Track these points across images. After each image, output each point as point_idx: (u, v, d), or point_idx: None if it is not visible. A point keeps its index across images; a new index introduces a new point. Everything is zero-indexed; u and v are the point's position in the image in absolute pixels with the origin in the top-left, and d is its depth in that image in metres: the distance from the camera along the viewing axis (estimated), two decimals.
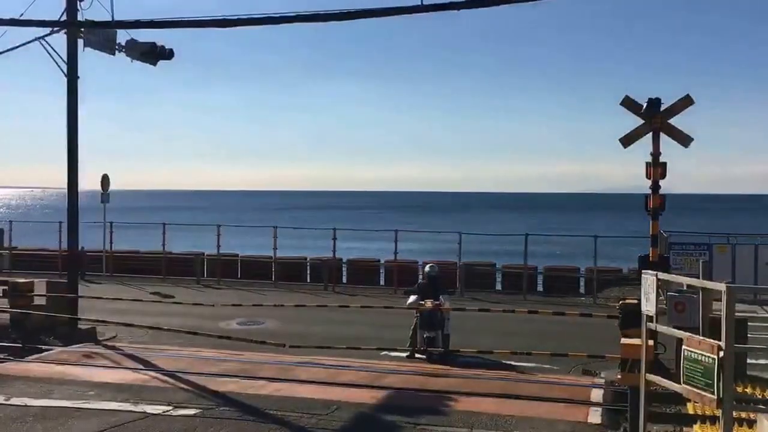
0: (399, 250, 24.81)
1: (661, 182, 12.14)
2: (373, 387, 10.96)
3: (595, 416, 9.53)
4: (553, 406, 9.96)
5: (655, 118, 11.78)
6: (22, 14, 12.63)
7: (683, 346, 6.74)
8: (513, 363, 12.90)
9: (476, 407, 9.79)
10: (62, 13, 14.54)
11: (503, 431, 8.85)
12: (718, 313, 6.80)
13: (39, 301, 15.27)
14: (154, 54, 14.41)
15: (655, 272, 7.63)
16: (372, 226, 75.24)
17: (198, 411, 9.52)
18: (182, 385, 10.94)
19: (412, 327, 13.86)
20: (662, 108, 11.78)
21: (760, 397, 9.97)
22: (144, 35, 14.56)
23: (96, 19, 13.84)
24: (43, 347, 13.74)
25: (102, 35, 14.40)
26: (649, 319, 7.52)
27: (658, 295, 7.50)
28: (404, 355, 13.53)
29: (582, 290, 24.24)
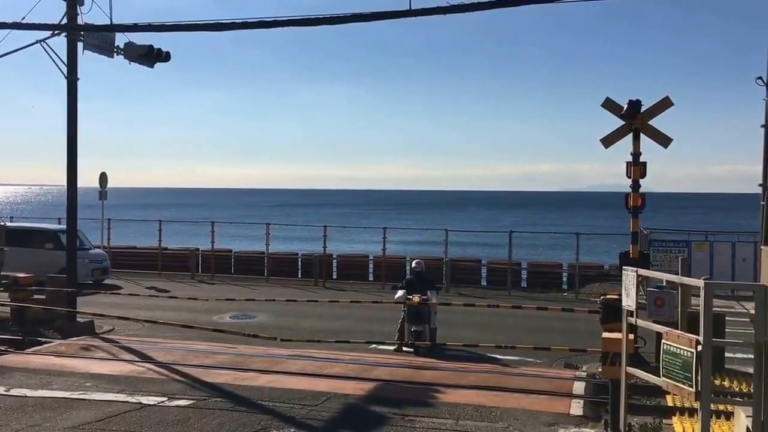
0: (387, 246, 25.10)
1: (641, 181, 12.36)
2: (361, 379, 11.16)
3: (576, 408, 9.68)
4: (537, 399, 10.13)
5: (635, 120, 11.99)
6: (24, 18, 12.87)
7: (662, 340, 6.84)
8: (498, 356, 13.19)
9: (462, 399, 9.98)
10: (63, 17, 14.64)
11: (488, 422, 8.99)
12: (697, 308, 7.01)
13: (39, 294, 15.51)
14: (151, 56, 14.59)
15: (635, 268, 7.77)
16: (361, 223, 75.62)
17: (192, 402, 9.69)
18: (177, 377, 11.13)
19: (399, 321, 14.09)
20: (642, 110, 12.01)
21: (737, 390, 10.19)
22: (141, 37, 14.75)
23: (95, 23, 14.06)
24: (43, 339, 13.92)
25: (101, 38, 14.55)
26: (630, 313, 7.69)
27: (638, 290, 7.67)
28: (392, 348, 13.76)
29: (565, 286, 24.59)
